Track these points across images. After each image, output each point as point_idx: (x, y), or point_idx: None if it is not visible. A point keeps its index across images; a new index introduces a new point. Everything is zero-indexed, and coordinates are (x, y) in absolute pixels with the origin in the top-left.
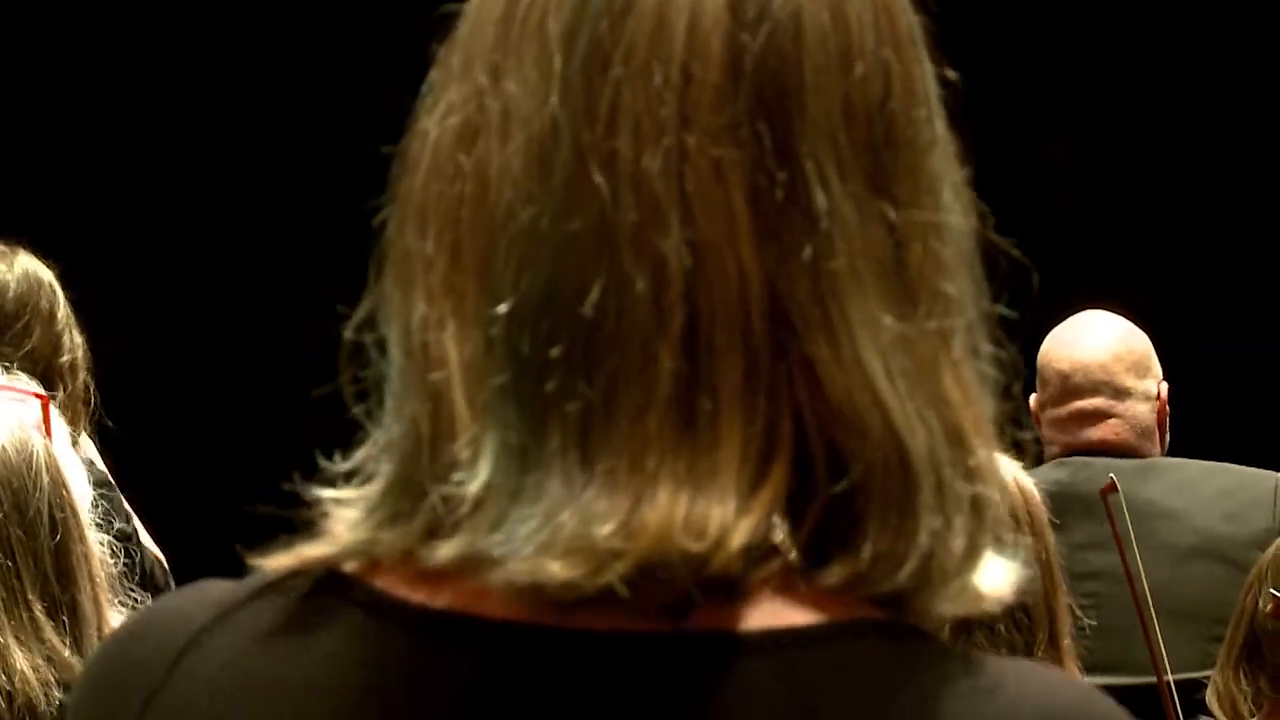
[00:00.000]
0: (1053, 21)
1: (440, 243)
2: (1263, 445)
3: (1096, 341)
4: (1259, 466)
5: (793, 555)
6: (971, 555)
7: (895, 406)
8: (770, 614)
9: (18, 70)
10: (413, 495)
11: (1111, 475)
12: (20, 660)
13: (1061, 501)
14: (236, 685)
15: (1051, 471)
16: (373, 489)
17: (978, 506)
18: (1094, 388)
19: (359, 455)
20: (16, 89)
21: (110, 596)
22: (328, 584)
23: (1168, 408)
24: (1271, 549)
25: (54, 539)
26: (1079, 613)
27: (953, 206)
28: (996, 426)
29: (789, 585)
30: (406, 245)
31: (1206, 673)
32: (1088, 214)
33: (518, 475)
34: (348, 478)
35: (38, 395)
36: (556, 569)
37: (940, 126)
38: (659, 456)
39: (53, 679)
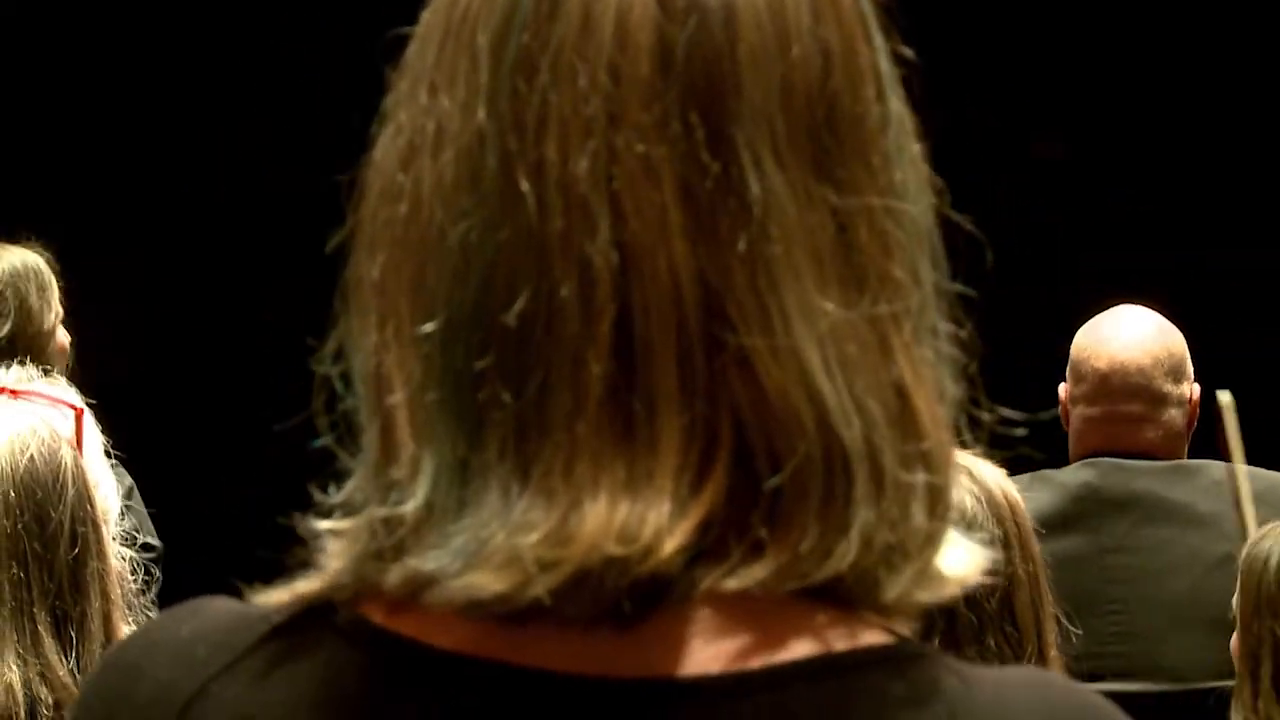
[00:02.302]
0: (1051, 18)
1: (386, 266)
2: (1270, 438)
3: (1135, 342)
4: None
5: (736, 556)
6: (928, 540)
7: (830, 398)
8: (710, 649)
9: (18, 70)
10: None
11: (1228, 394)
12: (12, 673)
13: (1090, 504)
14: None
15: (1079, 473)
16: (356, 520)
17: (932, 492)
18: (1132, 392)
19: (349, 486)
20: (16, 89)
21: (125, 613)
22: (325, 622)
23: (1197, 409)
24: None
25: (72, 552)
26: (1064, 621)
27: (907, 186)
28: (959, 407)
29: (736, 600)
30: (360, 273)
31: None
32: (1084, 209)
33: (459, 490)
34: (341, 509)
35: (73, 406)
36: (488, 581)
37: (895, 105)
38: (593, 463)
39: (42, 696)
